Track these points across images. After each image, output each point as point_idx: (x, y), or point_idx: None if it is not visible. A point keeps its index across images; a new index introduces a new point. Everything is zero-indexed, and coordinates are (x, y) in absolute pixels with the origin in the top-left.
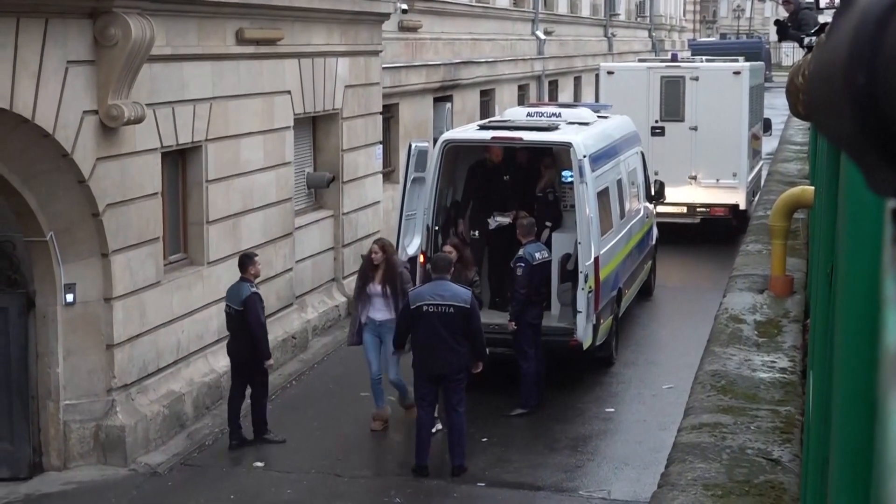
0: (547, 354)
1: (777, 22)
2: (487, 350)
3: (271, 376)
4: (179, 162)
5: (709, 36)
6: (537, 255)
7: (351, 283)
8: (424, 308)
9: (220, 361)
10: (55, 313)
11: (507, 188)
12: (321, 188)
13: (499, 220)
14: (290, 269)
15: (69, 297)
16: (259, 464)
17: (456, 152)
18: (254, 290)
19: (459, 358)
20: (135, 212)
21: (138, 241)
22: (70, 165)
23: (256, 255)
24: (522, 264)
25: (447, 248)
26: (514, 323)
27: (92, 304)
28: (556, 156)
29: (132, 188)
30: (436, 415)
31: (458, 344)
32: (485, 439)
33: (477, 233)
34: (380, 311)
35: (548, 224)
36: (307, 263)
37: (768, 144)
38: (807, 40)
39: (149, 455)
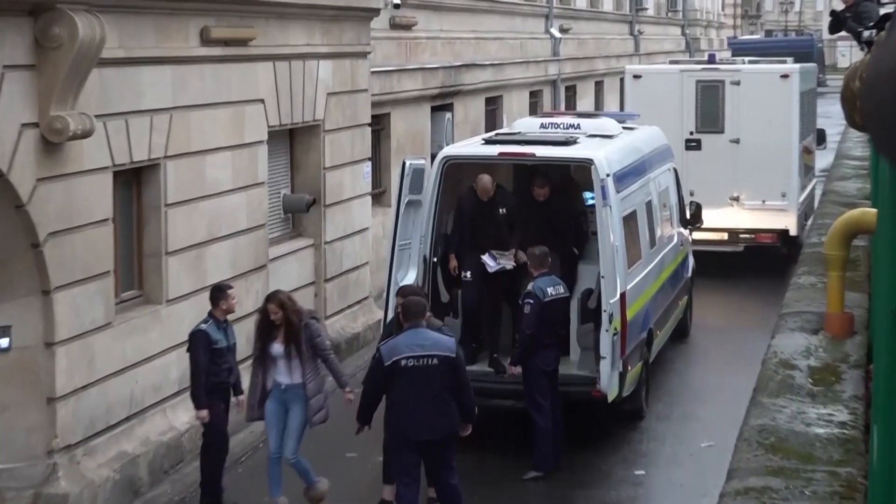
0: (565, 407)
1: (833, 12)
2: (494, 402)
3: (241, 434)
4: (134, 183)
5: (752, 33)
6: (550, 290)
7: (336, 324)
8: (402, 363)
9: (181, 417)
10: None
11: (502, 223)
12: (300, 213)
13: (502, 262)
14: None
15: (4, 343)
16: None
17: (458, 170)
18: (203, 326)
19: (449, 419)
20: (81, 241)
21: (85, 276)
22: (6, 187)
23: (231, 288)
24: (531, 301)
25: (398, 299)
26: (515, 368)
27: (30, 350)
28: (576, 175)
29: (79, 214)
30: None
31: (446, 403)
32: None
33: (469, 273)
34: (284, 375)
35: (575, 250)
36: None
37: (822, 159)
38: (866, 34)
39: None
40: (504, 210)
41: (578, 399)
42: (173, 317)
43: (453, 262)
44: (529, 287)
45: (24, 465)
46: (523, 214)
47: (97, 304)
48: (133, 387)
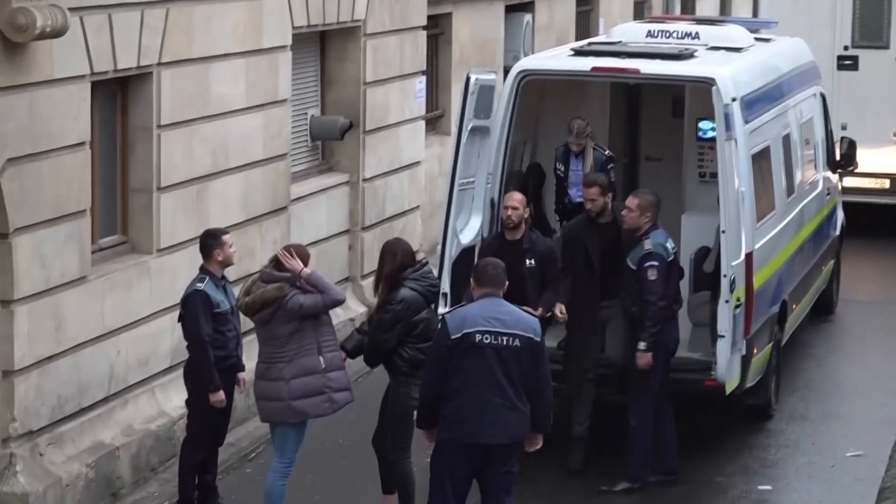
0: (672, 399)
1: None
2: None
3: (249, 425)
4: (118, 97)
5: None
6: (669, 245)
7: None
8: (477, 338)
9: (174, 399)
10: None
11: (528, 279)
12: (332, 140)
13: None
14: None
15: None
16: None
17: (538, 90)
18: (200, 286)
19: (520, 421)
20: (50, 171)
21: (54, 216)
22: None
23: (227, 234)
24: (656, 263)
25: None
26: (651, 354)
27: None
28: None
29: (46, 136)
30: None
31: (520, 400)
32: None
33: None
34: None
35: None
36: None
37: None
38: None
39: None
40: (533, 262)
41: (687, 389)
42: (165, 270)
43: None
44: (648, 246)
45: None
46: (579, 259)
47: (69, 252)
48: (113, 359)
